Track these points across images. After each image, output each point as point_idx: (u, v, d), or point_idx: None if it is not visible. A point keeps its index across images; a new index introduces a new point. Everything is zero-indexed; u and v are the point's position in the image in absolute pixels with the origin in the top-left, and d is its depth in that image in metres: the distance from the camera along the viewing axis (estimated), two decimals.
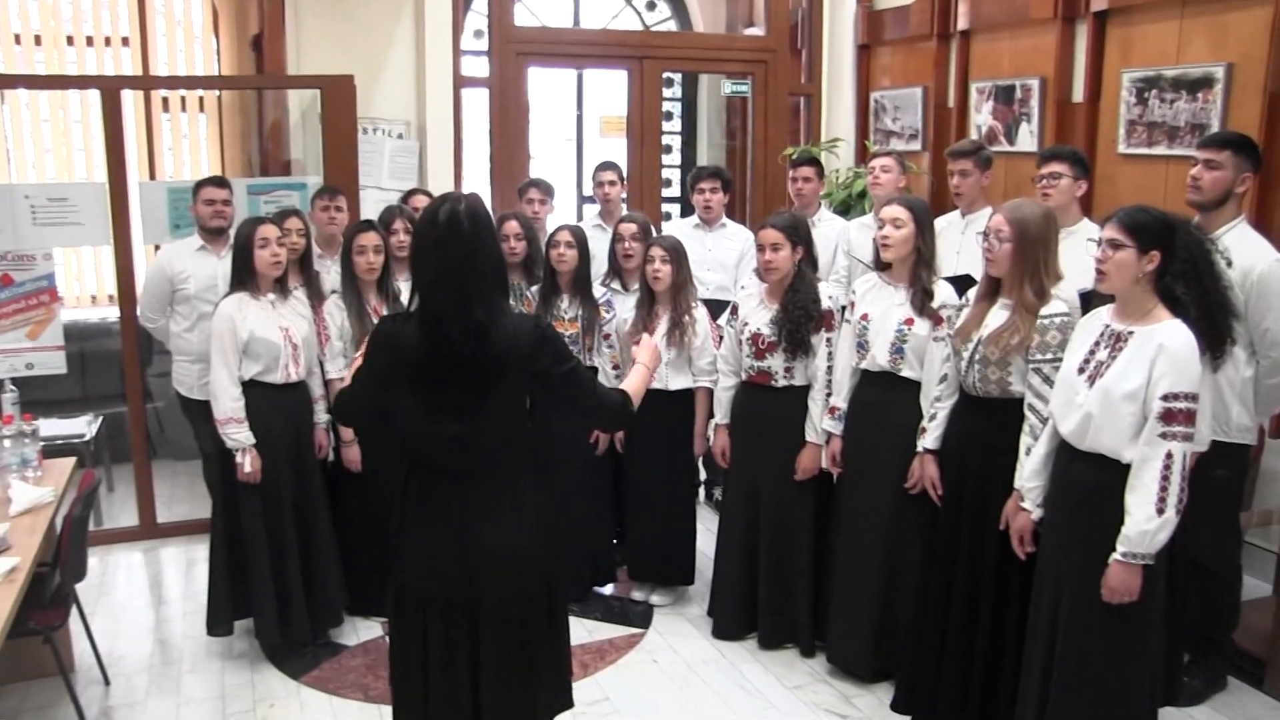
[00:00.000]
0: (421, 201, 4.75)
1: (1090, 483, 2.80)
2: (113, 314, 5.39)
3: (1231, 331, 3.23)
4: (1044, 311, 3.05)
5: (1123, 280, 2.74)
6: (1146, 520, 2.64)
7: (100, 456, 5.57)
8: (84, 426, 5.46)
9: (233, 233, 3.99)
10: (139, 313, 4.69)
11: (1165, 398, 2.63)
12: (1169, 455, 2.63)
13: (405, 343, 2.45)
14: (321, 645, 4.04)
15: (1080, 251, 3.47)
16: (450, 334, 2.38)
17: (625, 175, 5.51)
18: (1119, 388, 2.70)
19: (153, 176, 6.46)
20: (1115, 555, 2.70)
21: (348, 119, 5.31)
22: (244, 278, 3.77)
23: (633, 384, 2.68)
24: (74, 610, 3.60)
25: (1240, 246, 3.40)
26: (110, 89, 4.89)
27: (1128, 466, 2.71)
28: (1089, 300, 3.12)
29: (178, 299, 4.48)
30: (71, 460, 3.99)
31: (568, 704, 2.74)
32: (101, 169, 4.99)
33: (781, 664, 3.97)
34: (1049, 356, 3.02)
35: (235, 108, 6.36)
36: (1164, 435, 2.63)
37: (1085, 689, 2.84)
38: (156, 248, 5.18)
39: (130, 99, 6.06)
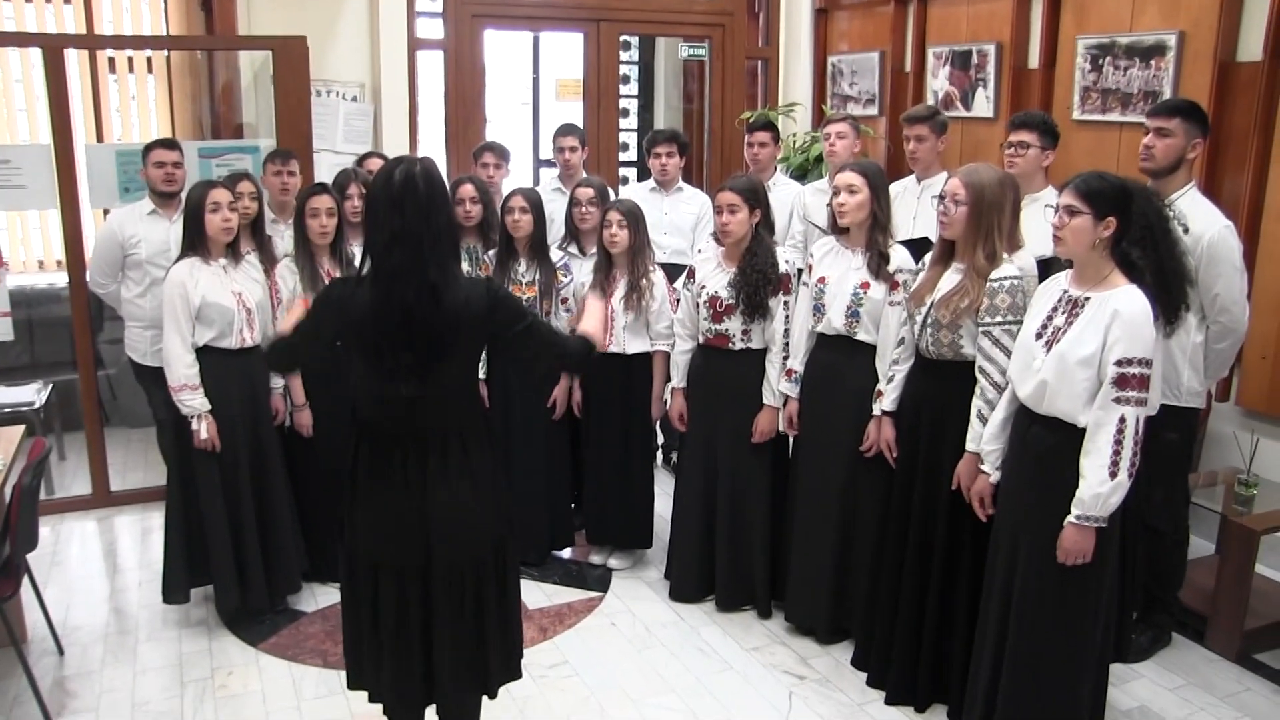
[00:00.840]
0: (376, 165, 4.68)
1: (1046, 446, 2.84)
2: (61, 279, 5.29)
3: (1186, 298, 3.28)
4: (994, 275, 3.07)
5: (1079, 247, 2.77)
6: (1100, 484, 2.69)
7: (51, 425, 5.48)
8: (33, 394, 5.36)
9: (184, 196, 3.92)
10: (89, 278, 4.60)
11: (1119, 363, 2.66)
12: (1122, 420, 2.67)
13: (356, 307, 2.43)
14: (280, 612, 4.03)
15: (1040, 218, 3.50)
16: (405, 296, 2.37)
17: (586, 140, 5.47)
18: (1074, 353, 2.74)
19: (100, 139, 6.31)
20: (1069, 518, 2.75)
21: (301, 81, 5.21)
22: (195, 242, 3.71)
23: (590, 325, 2.69)
24: (26, 580, 3.56)
25: (1191, 213, 3.45)
26: (53, 48, 4.76)
27: (1083, 430, 2.75)
28: (1049, 267, 3.16)
29: (129, 264, 4.41)
30: (20, 429, 3.93)
31: (516, 675, 2.77)
32: (46, 130, 4.87)
33: (739, 626, 4.02)
34: (998, 320, 3.05)
35: (185, 69, 6.23)
36: (1118, 400, 2.67)
37: (1038, 647, 2.90)
38: (105, 212, 5.08)
39: (75, 59, 5.91)
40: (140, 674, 3.66)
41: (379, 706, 2.72)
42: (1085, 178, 2.78)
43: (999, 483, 3.04)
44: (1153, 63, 4.50)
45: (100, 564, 4.56)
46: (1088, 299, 2.77)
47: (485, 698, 2.74)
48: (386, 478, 2.51)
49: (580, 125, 5.76)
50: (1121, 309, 2.68)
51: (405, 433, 2.50)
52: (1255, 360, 4.25)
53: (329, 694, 3.51)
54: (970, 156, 5.14)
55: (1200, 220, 3.43)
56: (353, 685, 2.71)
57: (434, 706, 2.72)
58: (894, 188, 4.24)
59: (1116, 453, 2.67)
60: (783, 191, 5.04)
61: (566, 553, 4.63)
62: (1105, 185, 2.74)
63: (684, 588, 4.20)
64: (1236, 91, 4.25)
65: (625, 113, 7.73)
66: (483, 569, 2.59)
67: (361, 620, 2.61)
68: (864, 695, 3.54)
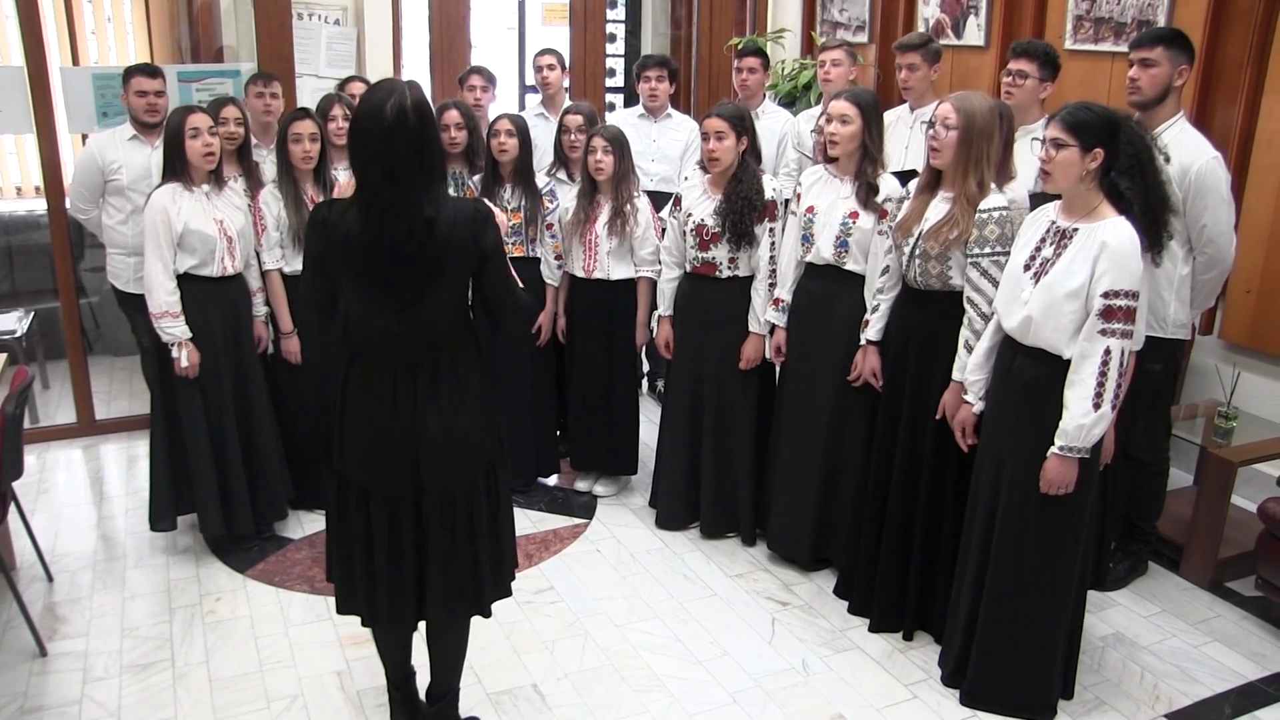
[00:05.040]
0: (359, 89, 4.61)
1: (1031, 377, 2.85)
2: (40, 206, 5.22)
3: (1169, 226, 3.27)
4: (983, 205, 3.06)
5: (1067, 179, 2.75)
6: (1083, 415, 2.71)
7: (33, 353, 5.46)
8: (14, 323, 5.34)
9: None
10: (69, 204, 4.54)
11: (1106, 295, 2.66)
12: (1107, 352, 2.68)
13: (343, 232, 2.39)
14: (266, 538, 4.06)
15: (1029, 152, 3.46)
16: (397, 232, 2.34)
17: (566, 62, 5.39)
18: (1062, 285, 2.73)
19: (75, 62, 6.19)
20: (1053, 449, 2.77)
21: (281, 4, 5.11)
22: (176, 169, 3.66)
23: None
24: (13, 508, 3.57)
25: (1179, 144, 3.42)
26: None
27: (1068, 362, 2.76)
28: (1037, 202, 3.14)
29: (110, 190, 4.35)
30: (2, 357, 3.91)
31: (506, 592, 2.79)
32: (18, 52, 4.77)
33: (723, 553, 4.06)
34: (987, 250, 3.04)
35: None
36: (1104, 332, 2.68)
37: (1019, 576, 2.95)
38: (84, 137, 5.00)
39: None
40: (129, 600, 3.69)
41: (365, 630, 2.75)
42: (1071, 109, 2.75)
43: (983, 412, 3.06)
44: None
45: (87, 492, 4.57)
46: (1075, 230, 2.76)
47: (474, 619, 2.76)
48: (376, 401, 2.50)
49: (565, 51, 5.67)
50: (1110, 240, 2.67)
51: (395, 357, 2.49)
52: (1239, 294, 4.26)
53: (316, 619, 3.55)
54: (961, 85, 5.07)
55: (1188, 151, 3.41)
56: (343, 610, 2.73)
57: (423, 629, 2.76)
58: (886, 117, 4.19)
59: (1101, 384, 2.69)
60: (771, 119, 4.99)
61: (552, 479, 4.66)
62: (1092, 116, 2.71)
63: (669, 515, 4.24)
64: (1232, 21, 4.20)
65: (612, 38, 7.61)
66: (475, 491, 2.60)
67: (353, 545, 2.62)
68: (846, 622, 3.59)
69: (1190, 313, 3.61)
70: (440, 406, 2.51)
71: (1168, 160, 3.35)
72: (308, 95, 5.20)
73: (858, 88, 3.81)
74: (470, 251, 2.44)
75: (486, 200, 3.77)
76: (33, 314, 5.50)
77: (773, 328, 3.84)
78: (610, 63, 7.32)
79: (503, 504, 2.71)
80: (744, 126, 3.77)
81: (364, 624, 2.71)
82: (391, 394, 2.49)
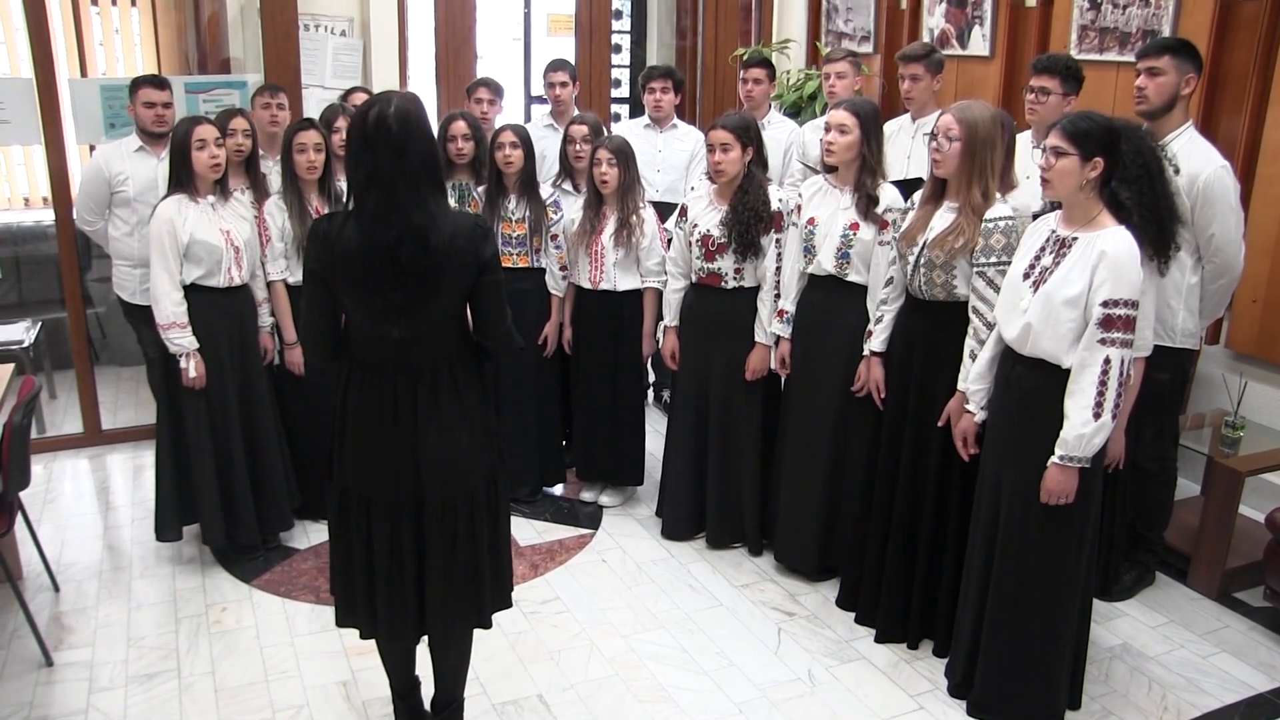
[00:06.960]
0: (361, 100, 4.63)
1: (1031, 386, 2.85)
2: (48, 217, 5.24)
3: (1176, 237, 3.27)
4: (988, 215, 3.06)
5: (1066, 188, 2.75)
6: (1083, 424, 2.70)
7: (40, 363, 5.47)
8: (21, 333, 5.35)
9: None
10: (76, 215, 4.56)
11: (1105, 304, 2.66)
12: (1107, 361, 2.67)
13: (342, 244, 2.40)
14: (272, 549, 4.06)
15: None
16: (386, 238, 2.35)
17: (577, 75, 5.40)
18: (1060, 294, 2.73)
19: (84, 73, 6.22)
20: (1053, 458, 2.76)
21: (288, 15, 5.13)
22: (182, 179, 3.67)
23: None
24: (20, 518, 3.57)
25: (1187, 153, 3.42)
26: None
27: (1068, 372, 2.76)
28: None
29: (117, 201, 4.37)
30: (10, 367, 3.92)
31: (506, 604, 2.79)
32: (27, 64, 4.79)
33: (729, 563, 4.06)
34: (993, 260, 3.04)
35: (169, 1, 6.12)
36: (1103, 341, 2.67)
37: (1022, 585, 2.94)
38: (91, 148, 5.03)
39: None
40: (135, 610, 3.69)
41: (371, 641, 2.74)
42: (1072, 118, 2.75)
43: (985, 422, 3.06)
44: (1152, 1, 4.44)
45: (93, 502, 4.58)
46: (1075, 239, 2.76)
47: (477, 630, 2.76)
48: (377, 411, 2.51)
49: (572, 61, 5.69)
50: (1108, 249, 2.67)
51: (395, 367, 2.49)
52: (1246, 303, 4.25)
53: (321, 630, 3.55)
54: (966, 95, 5.09)
55: (1196, 160, 3.40)
56: (342, 623, 2.73)
57: (426, 639, 2.75)
58: (888, 127, 4.20)
59: (1100, 394, 2.68)
60: (777, 129, 5.00)
61: (558, 490, 4.66)
62: (1092, 125, 2.71)
63: (674, 525, 4.23)
64: (1237, 30, 4.20)
65: (618, 49, 7.62)
66: (475, 502, 2.60)
67: (353, 554, 2.62)
68: (852, 632, 3.59)
69: (1199, 322, 3.60)
70: (440, 419, 2.51)
71: (1177, 172, 3.35)
72: (314, 106, 5.22)
73: (858, 98, 3.81)
74: (469, 264, 2.44)
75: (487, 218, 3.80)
76: (40, 324, 5.51)
77: (778, 339, 3.83)
78: (615, 73, 7.34)
79: (502, 515, 2.71)
80: (749, 137, 3.77)
81: (362, 637, 2.71)
82: (392, 405, 2.50)
